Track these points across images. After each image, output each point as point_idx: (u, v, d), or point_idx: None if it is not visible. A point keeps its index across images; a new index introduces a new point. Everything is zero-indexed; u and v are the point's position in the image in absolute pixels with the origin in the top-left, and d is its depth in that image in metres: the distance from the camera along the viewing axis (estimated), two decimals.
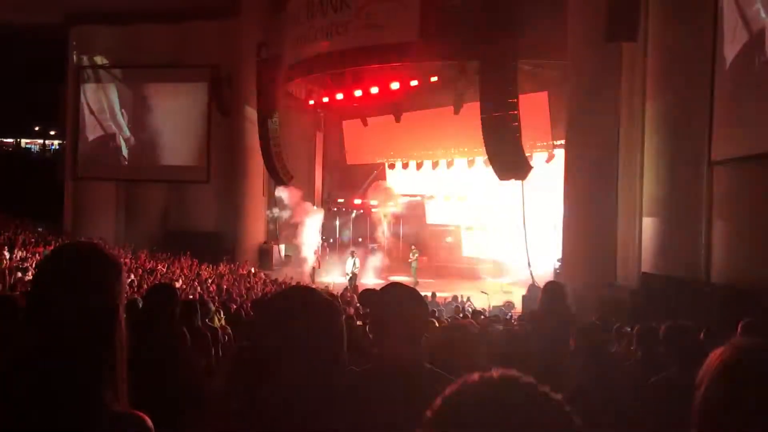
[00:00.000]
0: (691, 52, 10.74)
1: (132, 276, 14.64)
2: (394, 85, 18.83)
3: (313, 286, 1.45)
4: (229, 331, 6.66)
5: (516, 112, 14.83)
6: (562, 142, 15.30)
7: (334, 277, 20.99)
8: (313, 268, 21.34)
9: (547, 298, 4.77)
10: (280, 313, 1.38)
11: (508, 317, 11.41)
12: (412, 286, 2.43)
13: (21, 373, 1.35)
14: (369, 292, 2.32)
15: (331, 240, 25.44)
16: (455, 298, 15.69)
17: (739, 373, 1.22)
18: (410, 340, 2.10)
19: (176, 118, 25.31)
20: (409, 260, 21.52)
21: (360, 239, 25.10)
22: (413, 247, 21.90)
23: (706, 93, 10.02)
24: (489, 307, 14.71)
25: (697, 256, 10.42)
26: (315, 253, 21.99)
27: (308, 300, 1.41)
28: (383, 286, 2.35)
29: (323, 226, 24.32)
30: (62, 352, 1.36)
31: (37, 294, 1.45)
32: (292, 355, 1.32)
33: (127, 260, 19.60)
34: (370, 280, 20.08)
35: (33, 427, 1.32)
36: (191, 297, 11.98)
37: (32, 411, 1.32)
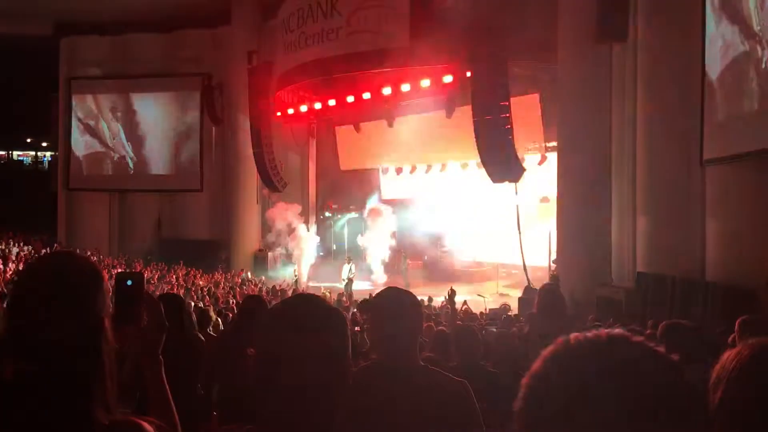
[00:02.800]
0: (680, 51, 10.81)
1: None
2: (386, 91, 18.85)
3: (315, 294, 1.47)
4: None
5: (508, 114, 14.86)
6: (555, 143, 15.35)
7: (323, 283, 20.92)
8: (297, 275, 21.39)
9: (543, 300, 4.79)
10: (289, 320, 1.39)
11: (503, 319, 11.40)
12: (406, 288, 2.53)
13: (4, 396, 1.30)
14: (367, 300, 2.40)
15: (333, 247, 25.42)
16: (452, 292, 15.50)
17: (762, 373, 1.22)
18: (405, 340, 2.21)
19: (168, 127, 25.31)
20: (401, 265, 21.77)
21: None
22: (403, 252, 22.14)
23: (697, 91, 10.07)
24: (486, 309, 14.71)
25: (691, 255, 10.46)
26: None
27: (315, 307, 1.43)
28: (381, 290, 2.42)
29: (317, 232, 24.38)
30: (47, 373, 1.31)
31: (15, 315, 1.38)
32: (300, 361, 1.33)
33: (121, 269, 19.55)
34: (363, 285, 20.06)
35: None
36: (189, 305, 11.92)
37: None
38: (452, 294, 12.43)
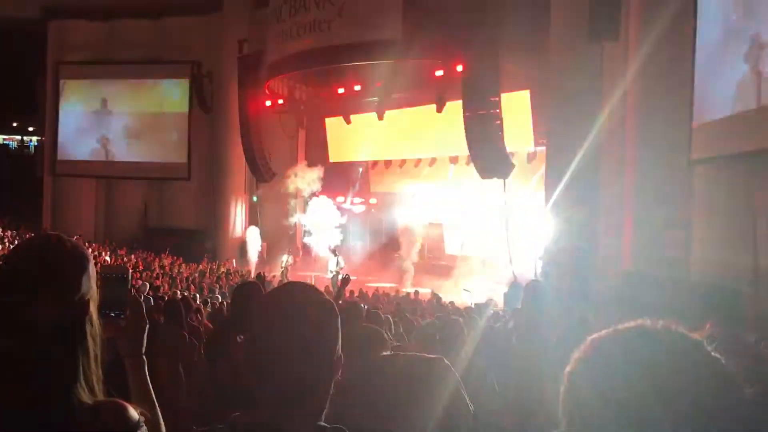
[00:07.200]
0: (670, 50, 10.84)
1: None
2: (376, 83, 18.79)
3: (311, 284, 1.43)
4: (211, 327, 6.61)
5: (498, 110, 14.87)
6: (545, 140, 15.37)
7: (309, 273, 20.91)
8: (287, 267, 21.33)
9: (528, 297, 4.79)
10: (282, 308, 1.38)
11: (490, 314, 11.42)
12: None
13: None
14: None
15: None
16: (434, 296, 15.65)
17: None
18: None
19: (157, 114, 25.16)
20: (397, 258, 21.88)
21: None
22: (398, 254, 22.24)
23: (687, 91, 10.11)
24: (472, 304, 14.74)
25: (677, 254, 10.52)
26: (289, 252, 21.96)
27: (309, 296, 1.41)
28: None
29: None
30: (30, 352, 1.32)
31: (0, 294, 1.39)
32: (290, 350, 1.32)
33: (107, 257, 19.47)
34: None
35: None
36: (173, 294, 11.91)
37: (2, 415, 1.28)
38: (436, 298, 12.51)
